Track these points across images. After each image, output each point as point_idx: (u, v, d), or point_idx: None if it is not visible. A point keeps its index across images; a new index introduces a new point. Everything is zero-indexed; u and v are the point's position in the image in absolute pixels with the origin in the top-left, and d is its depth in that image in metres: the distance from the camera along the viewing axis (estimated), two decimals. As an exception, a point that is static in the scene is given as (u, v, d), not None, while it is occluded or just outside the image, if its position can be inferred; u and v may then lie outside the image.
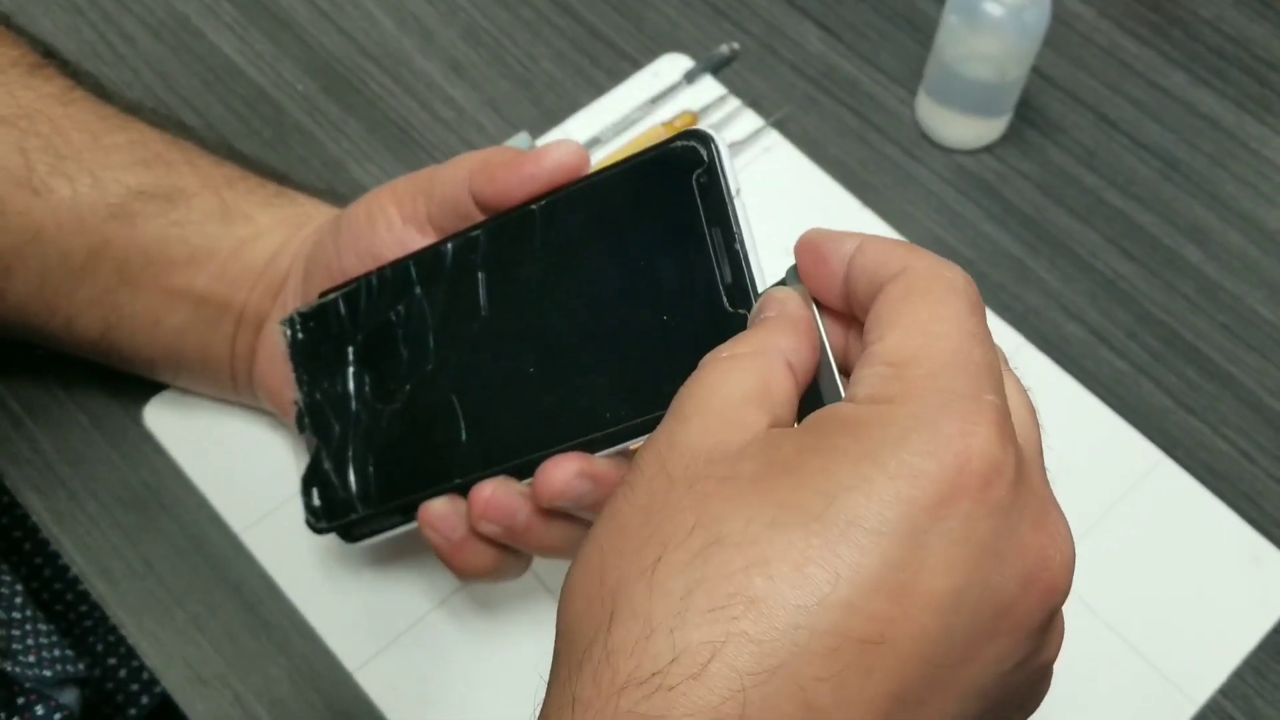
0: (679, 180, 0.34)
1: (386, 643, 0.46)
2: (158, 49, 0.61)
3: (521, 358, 0.37)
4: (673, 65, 0.61)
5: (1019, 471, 0.27)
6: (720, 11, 0.63)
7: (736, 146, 0.58)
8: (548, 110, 0.60)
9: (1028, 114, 0.60)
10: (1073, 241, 0.57)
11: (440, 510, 0.39)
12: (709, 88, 0.60)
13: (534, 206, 0.37)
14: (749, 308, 0.33)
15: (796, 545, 0.25)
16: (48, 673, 0.43)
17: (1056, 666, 0.47)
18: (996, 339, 0.56)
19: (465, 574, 0.39)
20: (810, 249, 0.31)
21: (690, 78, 0.60)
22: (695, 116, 0.58)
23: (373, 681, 0.45)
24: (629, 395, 0.35)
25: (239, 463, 0.49)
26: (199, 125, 0.58)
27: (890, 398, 0.27)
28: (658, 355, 0.34)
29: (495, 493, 0.37)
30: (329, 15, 0.63)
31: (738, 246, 0.33)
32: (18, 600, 0.45)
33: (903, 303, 0.28)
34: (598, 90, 0.60)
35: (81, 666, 0.44)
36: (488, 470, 0.38)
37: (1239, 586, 0.49)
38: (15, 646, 0.43)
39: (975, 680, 0.27)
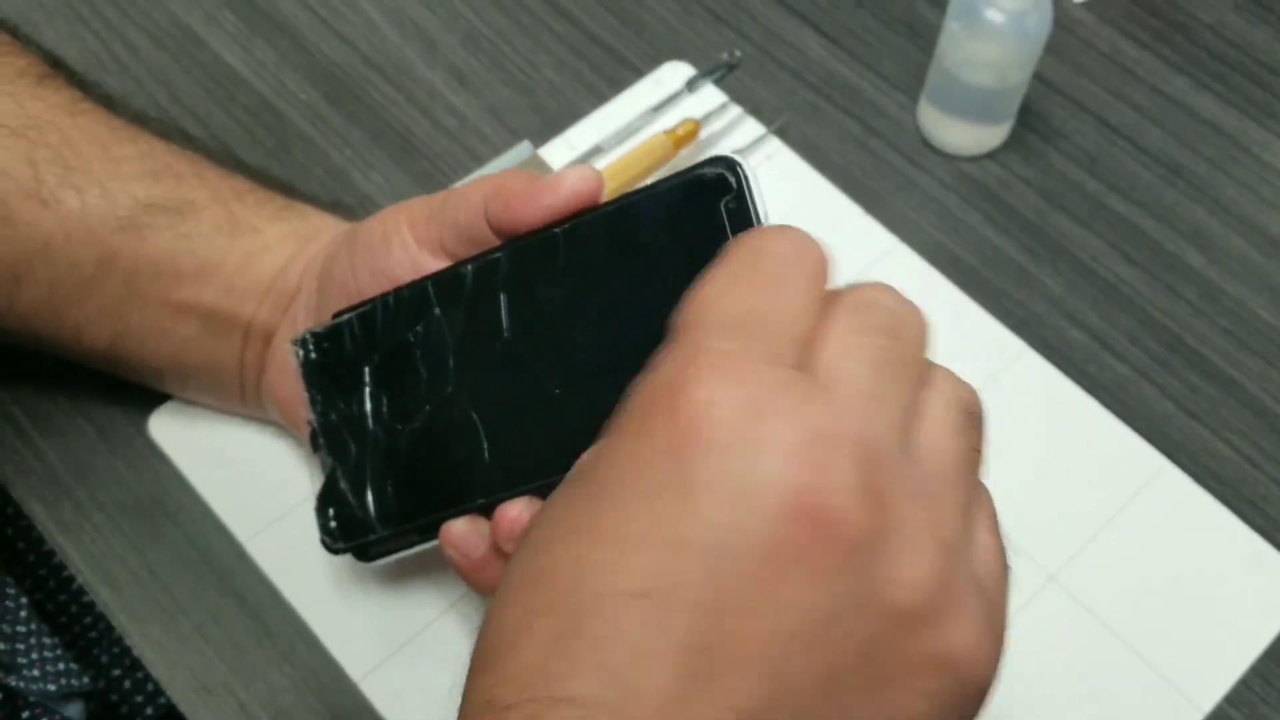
0: (708, 207, 0.34)
1: (391, 651, 0.46)
2: (161, 58, 0.61)
3: (546, 379, 0.37)
4: (674, 73, 0.61)
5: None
6: (721, 19, 0.64)
7: (738, 154, 0.58)
8: (550, 118, 0.60)
9: (1029, 120, 0.60)
10: (1075, 247, 0.57)
11: (461, 530, 0.39)
12: (710, 95, 0.60)
13: (557, 230, 0.37)
14: None
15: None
16: (52, 687, 0.43)
17: (1062, 670, 0.47)
18: (999, 345, 0.56)
19: (485, 592, 0.40)
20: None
21: (692, 85, 0.61)
22: (697, 124, 0.58)
23: (378, 690, 0.45)
24: None
25: (243, 472, 0.49)
26: (202, 135, 0.58)
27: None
28: None
29: (523, 514, 0.37)
30: (330, 24, 0.63)
31: None
32: (22, 614, 0.45)
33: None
34: (599, 98, 0.61)
35: (86, 680, 0.44)
36: (511, 490, 0.38)
37: (1245, 592, 0.49)
38: (20, 660, 0.43)
39: (777, 629, 0.25)
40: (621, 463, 0.28)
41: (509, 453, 0.38)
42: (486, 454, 0.38)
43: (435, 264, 0.40)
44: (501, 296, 0.38)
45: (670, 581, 0.25)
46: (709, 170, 0.34)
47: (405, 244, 0.41)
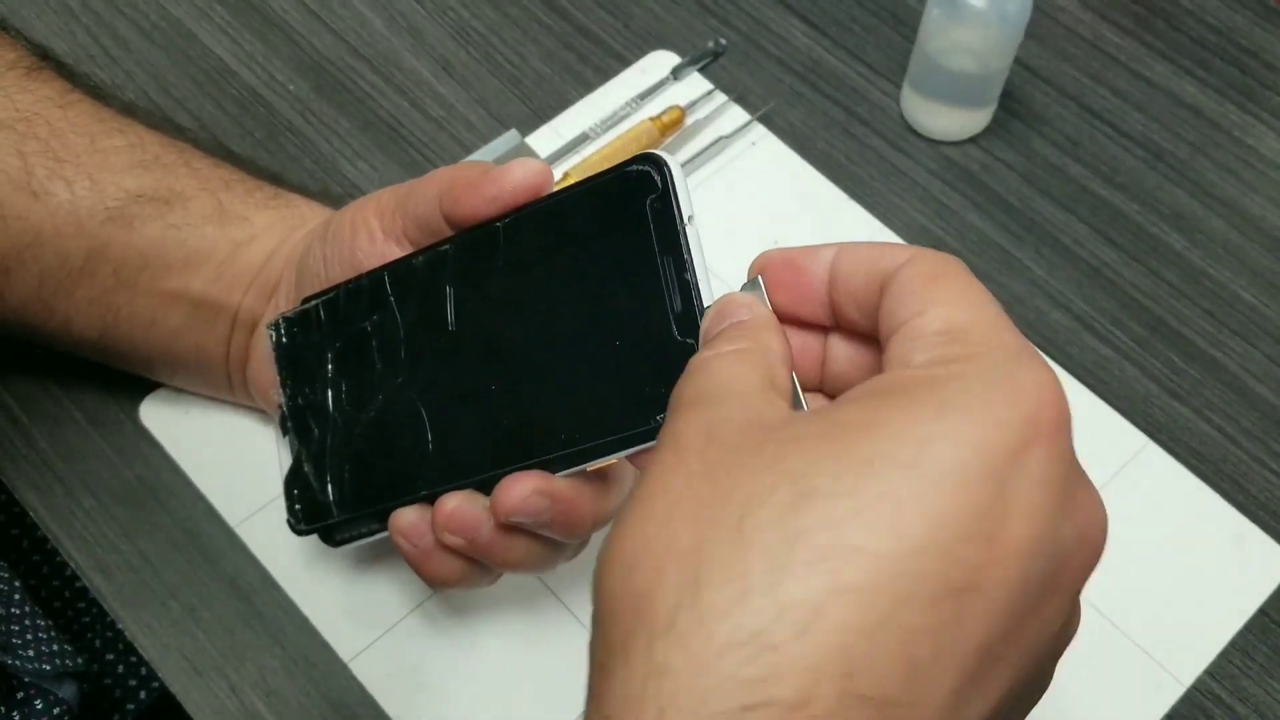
0: (633, 205, 0.34)
1: (380, 632, 0.47)
2: (150, 51, 0.62)
3: (485, 374, 0.37)
4: (660, 62, 0.62)
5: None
6: (706, 8, 0.64)
7: (723, 141, 0.59)
8: (537, 107, 0.60)
9: (1012, 105, 0.61)
10: (1057, 230, 0.57)
11: (410, 519, 0.39)
12: (696, 83, 0.61)
13: (498, 224, 0.38)
14: (696, 339, 0.33)
15: (892, 494, 0.25)
16: (46, 666, 0.44)
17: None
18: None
19: (434, 582, 0.40)
20: (785, 264, 0.32)
21: (677, 74, 0.61)
22: (682, 111, 0.58)
23: (367, 671, 0.46)
24: (583, 418, 0.35)
25: (234, 457, 0.50)
26: (192, 126, 0.58)
27: (956, 358, 0.27)
28: (608, 380, 0.34)
29: (459, 506, 0.37)
30: (319, 16, 0.63)
31: (688, 276, 0.33)
32: (16, 596, 0.46)
33: (932, 283, 0.29)
34: (586, 87, 0.61)
35: (80, 660, 0.45)
36: (453, 483, 0.38)
37: (1225, 568, 0.49)
38: (14, 641, 0.44)
39: (1035, 638, 0.27)
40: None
41: (451, 445, 0.38)
42: (431, 445, 0.39)
43: (399, 254, 0.41)
44: (448, 289, 0.38)
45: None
46: (636, 168, 0.34)
47: (372, 235, 0.41)
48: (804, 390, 0.32)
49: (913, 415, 0.26)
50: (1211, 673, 0.47)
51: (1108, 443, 0.52)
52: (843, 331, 0.33)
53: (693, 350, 0.33)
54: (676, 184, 0.34)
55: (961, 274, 0.29)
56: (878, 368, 0.32)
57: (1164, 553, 0.49)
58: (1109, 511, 0.51)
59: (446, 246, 0.39)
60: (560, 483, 0.36)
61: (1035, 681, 0.29)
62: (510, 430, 0.37)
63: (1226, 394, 0.53)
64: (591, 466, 0.36)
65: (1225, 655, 0.47)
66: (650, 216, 0.34)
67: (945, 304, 0.28)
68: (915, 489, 0.25)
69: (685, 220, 0.33)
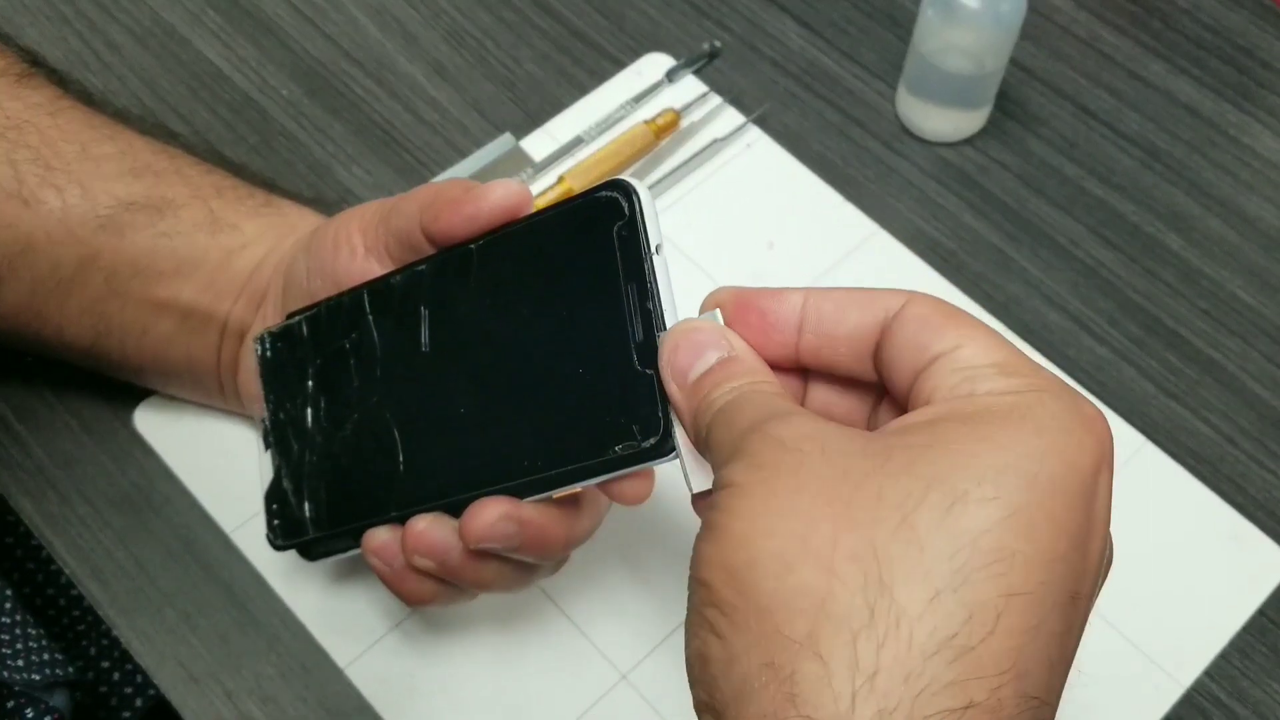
0: (600, 231, 0.34)
1: (376, 638, 0.47)
2: (144, 57, 0.62)
3: (456, 397, 0.37)
4: (655, 64, 0.62)
5: None
6: (701, 10, 0.64)
7: (718, 143, 0.58)
8: (531, 111, 0.60)
9: (1007, 106, 0.61)
10: (1054, 231, 0.57)
11: (383, 539, 0.39)
12: (691, 86, 0.61)
13: (472, 246, 0.37)
14: (656, 370, 0.32)
15: (1028, 503, 0.26)
16: (36, 676, 0.43)
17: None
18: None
19: (410, 601, 0.40)
20: (751, 307, 0.32)
21: (672, 76, 0.61)
22: (677, 114, 0.58)
23: (364, 677, 0.46)
24: (548, 444, 0.35)
25: (229, 464, 0.49)
26: (186, 132, 0.58)
27: (1023, 388, 0.28)
28: (573, 407, 0.34)
29: (428, 529, 0.37)
30: (313, 20, 0.63)
31: (650, 305, 0.33)
32: (6, 605, 0.45)
33: (952, 320, 0.30)
34: (580, 90, 0.61)
35: (72, 670, 0.45)
36: (423, 505, 0.38)
37: (1223, 569, 0.49)
38: (4, 651, 0.43)
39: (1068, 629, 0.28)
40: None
41: (422, 467, 0.38)
42: (402, 466, 0.38)
43: (380, 272, 0.41)
44: (422, 309, 0.38)
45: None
46: (604, 194, 0.34)
47: (354, 250, 0.41)
48: None
49: (1017, 434, 0.27)
50: (1210, 674, 0.47)
51: (1105, 444, 0.51)
52: (813, 374, 0.34)
53: (651, 382, 0.32)
54: (645, 212, 0.33)
55: (968, 314, 0.31)
56: (848, 406, 0.33)
57: (1162, 553, 0.49)
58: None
59: (423, 266, 0.39)
60: (529, 508, 0.36)
61: None
62: (480, 454, 0.37)
63: (1224, 394, 0.53)
64: (557, 494, 0.36)
65: (1224, 656, 0.47)
66: (617, 243, 0.33)
67: (977, 340, 0.29)
68: (1041, 501, 0.26)
69: (652, 249, 0.33)
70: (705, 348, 0.32)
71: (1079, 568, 0.27)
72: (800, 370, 0.34)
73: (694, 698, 0.28)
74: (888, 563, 0.25)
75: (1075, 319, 0.55)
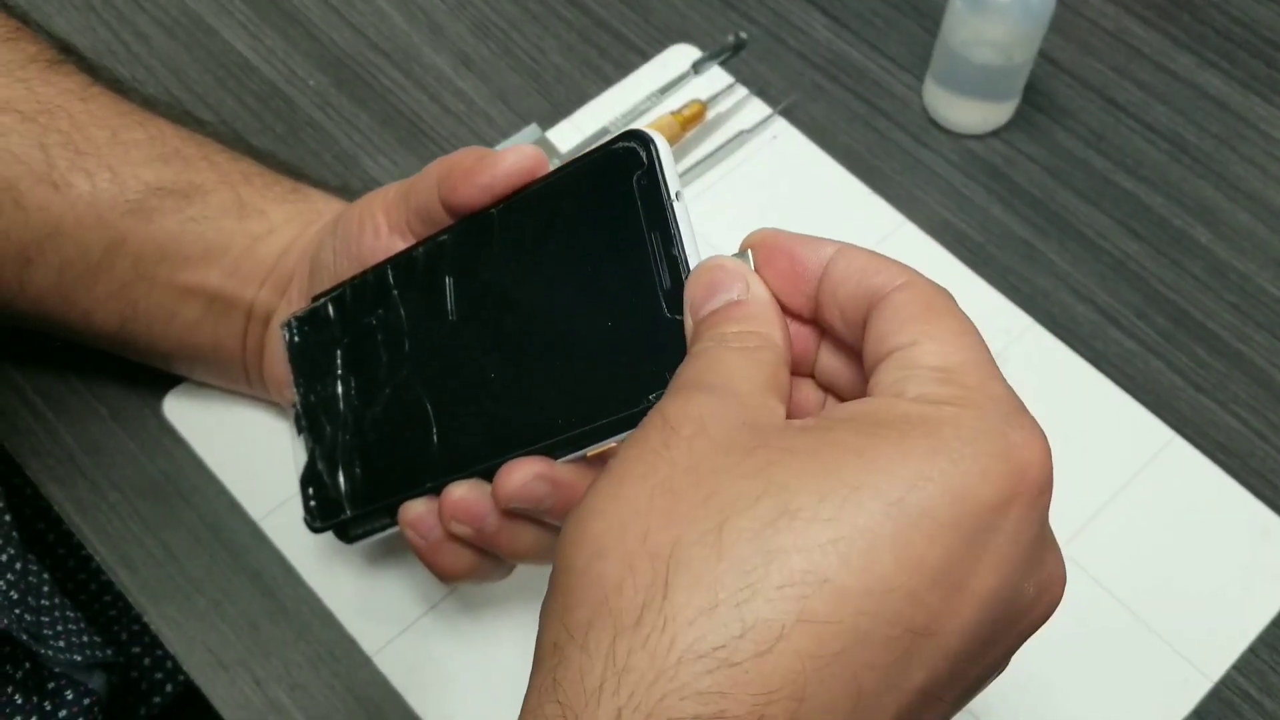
0: (620, 182, 0.34)
1: (405, 626, 0.47)
2: (172, 47, 0.62)
3: (486, 362, 0.37)
4: (680, 55, 0.62)
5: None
6: (727, 2, 0.64)
7: (744, 135, 0.58)
8: (557, 102, 0.60)
9: (1035, 98, 0.61)
10: (1081, 223, 0.57)
11: (419, 512, 0.39)
12: (717, 77, 0.61)
13: (493, 210, 0.37)
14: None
15: (872, 530, 0.25)
16: (77, 657, 0.44)
17: (1073, 642, 0.47)
18: (1006, 321, 0.57)
19: (445, 575, 0.40)
20: (782, 251, 0.32)
21: (698, 68, 0.61)
22: (703, 105, 0.58)
23: (391, 664, 0.46)
24: (580, 401, 0.35)
25: (257, 451, 0.50)
26: (213, 121, 0.58)
27: (950, 400, 0.27)
28: (603, 361, 0.34)
29: (465, 495, 0.37)
30: (339, 11, 0.63)
31: (676, 251, 0.33)
32: (45, 588, 0.46)
33: (927, 312, 0.29)
34: (606, 82, 0.61)
35: (110, 652, 0.45)
36: (459, 473, 0.38)
37: (1252, 563, 0.49)
38: (45, 632, 0.44)
39: (973, 679, 0.28)
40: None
41: (456, 436, 0.38)
42: (436, 437, 0.38)
43: (403, 248, 0.41)
44: (447, 279, 0.38)
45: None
46: (622, 145, 0.34)
47: (378, 230, 0.41)
48: (795, 375, 0.32)
49: (905, 451, 0.26)
50: (1239, 668, 0.47)
51: (1133, 437, 0.51)
52: (824, 331, 0.33)
53: (682, 326, 0.32)
54: (663, 159, 0.33)
55: (955, 309, 0.29)
56: (853, 375, 0.32)
57: (1190, 548, 0.49)
58: (1134, 505, 0.51)
59: (445, 237, 0.39)
60: (561, 468, 0.36)
61: (959, 709, 0.29)
62: (512, 418, 0.37)
63: (1252, 387, 0.53)
64: (591, 451, 0.35)
65: (1253, 650, 0.47)
66: (638, 193, 0.33)
67: (939, 339, 0.28)
68: (894, 529, 0.25)
69: (672, 196, 0.33)
70: (721, 286, 0.31)
71: (934, 605, 0.25)
72: (819, 328, 0.33)
73: None
74: (677, 565, 0.25)
75: (1103, 312, 0.55)
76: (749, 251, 0.32)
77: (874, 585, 0.25)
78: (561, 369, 0.35)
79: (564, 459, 0.36)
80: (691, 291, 0.32)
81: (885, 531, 0.25)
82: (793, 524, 0.25)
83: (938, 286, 0.30)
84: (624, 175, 0.33)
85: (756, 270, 0.32)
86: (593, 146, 0.35)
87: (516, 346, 0.36)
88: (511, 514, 0.37)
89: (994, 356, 0.30)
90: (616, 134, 0.34)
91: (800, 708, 0.24)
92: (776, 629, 0.24)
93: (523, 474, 0.36)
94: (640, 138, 0.33)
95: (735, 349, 0.30)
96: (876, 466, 0.26)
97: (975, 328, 0.29)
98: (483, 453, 0.37)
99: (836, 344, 0.33)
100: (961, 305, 0.30)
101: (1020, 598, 0.27)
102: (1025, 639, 0.29)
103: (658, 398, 0.30)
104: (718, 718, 0.24)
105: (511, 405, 0.37)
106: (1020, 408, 0.28)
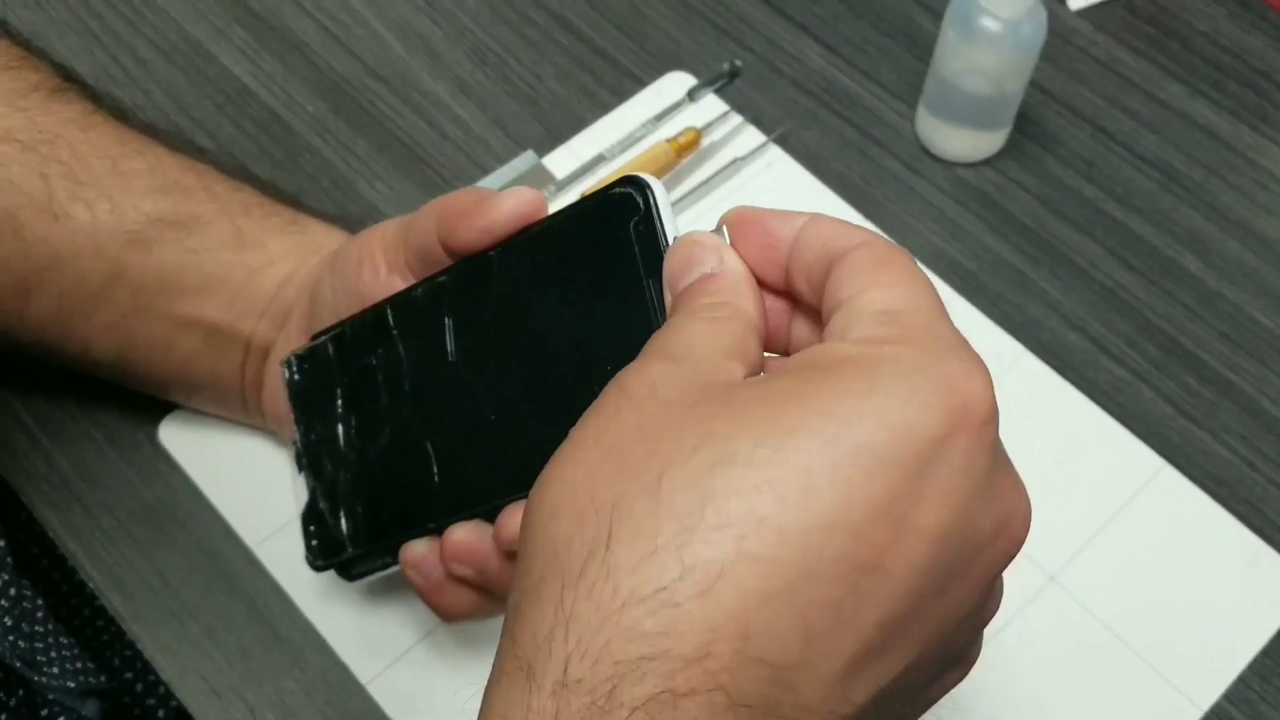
0: (617, 228, 0.34)
1: (399, 654, 0.47)
2: (170, 72, 0.62)
3: (486, 404, 0.37)
4: (676, 83, 0.62)
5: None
6: (722, 30, 0.64)
7: (739, 162, 0.59)
8: (553, 128, 0.61)
9: (1026, 127, 0.61)
10: (1072, 252, 0.58)
11: (420, 552, 0.39)
12: (712, 105, 0.61)
13: (491, 253, 0.37)
14: None
15: (807, 468, 0.25)
16: (71, 684, 0.44)
17: (1063, 670, 0.48)
18: (998, 349, 0.57)
19: (447, 615, 0.40)
20: (755, 224, 0.32)
21: (693, 95, 0.61)
22: (698, 133, 0.59)
23: (385, 693, 0.46)
24: None
25: (253, 478, 0.50)
26: (212, 147, 0.59)
27: (891, 339, 0.28)
28: None
29: (466, 537, 0.38)
30: (338, 37, 0.64)
31: None
32: (39, 615, 0.46)
33: (878, 265, 0.29)
34: (602, 108, 0.61)
35: (104, 678, 0.45)
36: (460, 514, 0.38)
37: (1242, 592, 0.49)
38: (39, 658, 0.44)
39: (940, 619, 0.27)
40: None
41: (457, 476, 0.38)
42: (437, 477, 0.39)
43: (403, 287, 0.41)
44: (446, 320, 0.38)
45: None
46: (618, 190, 0.34)
47: (376, 268, 0.41)
48: (775, 354, 0.32)
49: (840, 391, 0.26)
50: (1229, 697, 0.47)
51: (1123, 465, 0.52)
52: (797, 302, 0.33)
53: None
54: (660, 205, 0.33)
55: (908, 262, 0.30)
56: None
57: (1180, 576, 0.49)
58: (1124, 533, 0.51)
59: (444, 278, 0.39)
60: None
61: (948, 658, 0.30)
62: (513, 459, 0.37)
63: (1242, 416, 0.53)
64: None
65: (1243, 680, 0.47)
66: (635, 239, 0.33)
67: (887, 286, 0.29)
68: (830, 465, 0.25)
69: (669, 242, 0.33)
70: (695, 260, 0.32)
71: (879, 539, 0.25)
72: (790, 298, 0.33)
73: None
74: (620, 517, 0.26)
75: (1094, 340, 0.55)
76: (724, 227, 0.33)
77: (813, 522, 0.25)
78: (560, 413, 0.35)
79: None
80: (669, 267, 0.32)
81: (822, 469, 0.25)
82: (730, 470, 0.26)
83: (895, 245, 0.30)
84: (621, 221, 0.34)
85: (732, 244, 0.32)
86: (590, 191, 0.35)
87: (516, 389, 0.37)
88: (514, 555, 0.37)
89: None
90: (614, 180, 0.34)
91: (747, 645, 0.25)
92: (716, 569, 0.25)
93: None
94: (637, 183, 0.33)
95: (703, 319, 0.30)
96: (813, 408, 0.26)
97: (927, 279, 0.30)
98: (484, 494, 0.37)
99: (806, 314, 0.33)
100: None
101: (976, 532, 0.27)
102: (991, 576, 0.28)
103: None
104: (662, 655, 0.25)
105: (512, 447, 0.37)
106: (960, 342, 0.28)
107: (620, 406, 0.28)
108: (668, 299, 0.32)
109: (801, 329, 0.33)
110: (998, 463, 0.28)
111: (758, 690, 0.25)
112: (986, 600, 0.29)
